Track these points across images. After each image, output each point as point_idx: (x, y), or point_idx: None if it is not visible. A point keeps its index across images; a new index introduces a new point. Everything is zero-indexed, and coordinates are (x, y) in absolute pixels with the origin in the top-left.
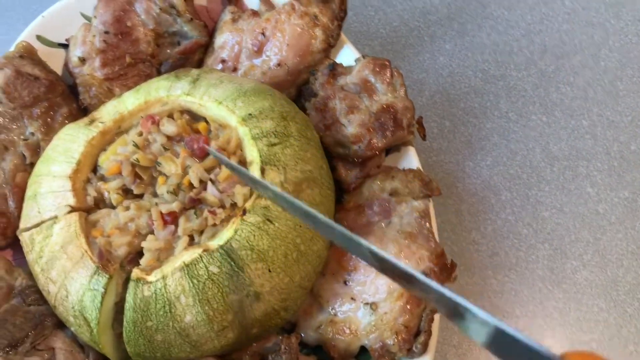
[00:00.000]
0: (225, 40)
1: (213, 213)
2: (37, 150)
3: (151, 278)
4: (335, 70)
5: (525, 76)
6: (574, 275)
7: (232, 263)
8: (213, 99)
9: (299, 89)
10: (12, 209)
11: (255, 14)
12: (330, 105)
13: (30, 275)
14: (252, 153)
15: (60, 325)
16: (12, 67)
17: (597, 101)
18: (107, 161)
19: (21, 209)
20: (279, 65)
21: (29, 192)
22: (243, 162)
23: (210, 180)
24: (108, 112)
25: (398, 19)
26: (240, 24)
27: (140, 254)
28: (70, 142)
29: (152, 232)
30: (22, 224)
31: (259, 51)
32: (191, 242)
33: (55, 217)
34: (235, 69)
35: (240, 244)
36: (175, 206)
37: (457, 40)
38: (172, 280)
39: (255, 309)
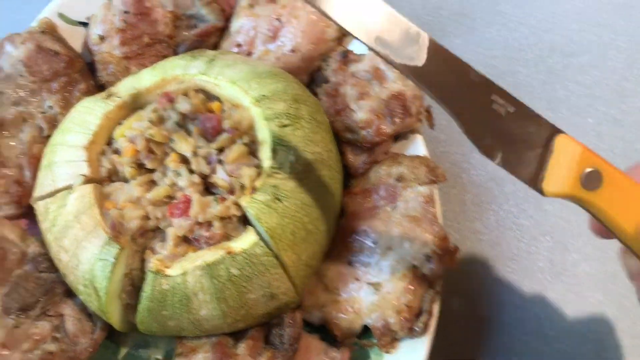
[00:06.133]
0: (241, 24)
1: (222, 199)
2: (54, 124)
3: (170, 272)
4: (347, 58)
5: (534, 73)
6: (573, 268)
7: (253, 267)
8: (227, 79)
9: (311, 76)
10: (28, 179)
11: (272, 0)
12: (341, 91)
13: (42, 243)
14: (263, 133)
15: (70, 293)
16: (34, 42)
17: (603, 100)
18: (122, 135)
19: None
20: (292, 51)
21: (44, 162)
22: (255, 142)
23: (220, 161)
24: (125, 88)
25: (412, 12)
26: (257, 9)
27: (152, 229)
28: (87, 114)
29: (164, 207)
30: (36, 193)
31: (274, 37)
32: (208, 227)
33: (70, 186)
34: (249, 54)
35: (264, 250)
36: (188, 186)
37: (468, 35)
38: (192, 277)
39: (269, 305)
